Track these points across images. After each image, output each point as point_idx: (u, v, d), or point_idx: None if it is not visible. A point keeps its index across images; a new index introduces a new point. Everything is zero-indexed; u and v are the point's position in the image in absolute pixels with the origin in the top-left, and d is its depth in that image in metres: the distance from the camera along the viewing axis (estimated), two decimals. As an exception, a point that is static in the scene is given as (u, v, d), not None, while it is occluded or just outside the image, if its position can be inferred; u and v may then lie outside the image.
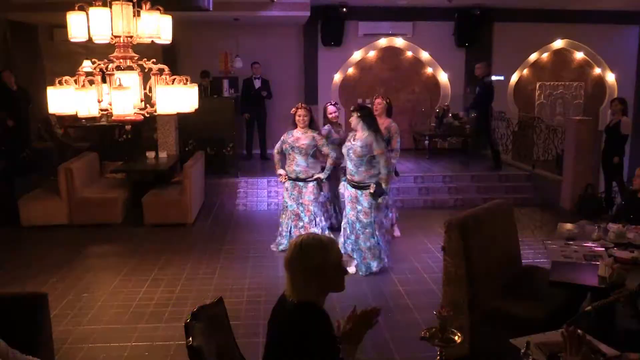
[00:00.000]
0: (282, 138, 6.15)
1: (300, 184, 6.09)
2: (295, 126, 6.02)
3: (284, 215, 6.27)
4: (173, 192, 7.62)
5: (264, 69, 10.55)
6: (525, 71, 12.27)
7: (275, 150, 6.25)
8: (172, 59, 10.27)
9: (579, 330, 2.13)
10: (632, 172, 7.79)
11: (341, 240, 5.68)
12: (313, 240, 2.18)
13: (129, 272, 5.80)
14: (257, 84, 10.40)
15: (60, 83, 3.00)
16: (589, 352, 2.11)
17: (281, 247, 6.27)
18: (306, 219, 6.12)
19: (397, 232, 6.88)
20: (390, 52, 11.92)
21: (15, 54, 10.03)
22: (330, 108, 6.76)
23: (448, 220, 3.88)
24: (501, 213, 4.34)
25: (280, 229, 6.34)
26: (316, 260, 2.13)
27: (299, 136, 6.00)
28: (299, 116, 5.98)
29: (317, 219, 6.17)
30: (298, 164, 6.03)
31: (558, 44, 12.12)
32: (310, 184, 6.09)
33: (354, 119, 5.44)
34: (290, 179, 6.12)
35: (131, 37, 3.09)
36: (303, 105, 6.11)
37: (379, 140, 5.42)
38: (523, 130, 10.49)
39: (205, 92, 9.63)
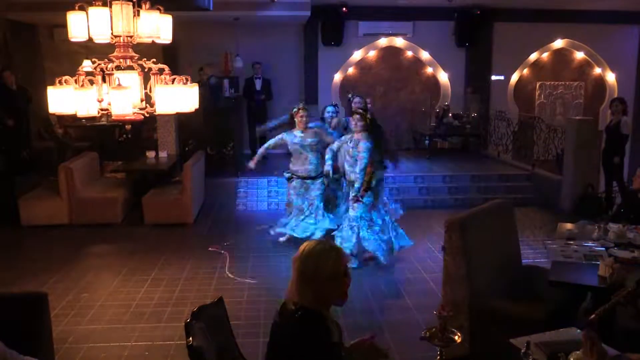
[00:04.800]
0: (281, 137, 6.35)
1: (309, 181, 6.35)
2: (293, 126, 6.25)
3: (289, 209, 6.53)
4: (173, 192, 7.62)
5: (265, 68, 10.55)
6: (525, 71, 12.27)
7: (268, 145, 6.46)
8: (172, 58, 10.26)
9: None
10: (632, 172, 7.81)
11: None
12: (317, 248, 2.14)
13: (129, 272, 5.80)
14: (258, 84, 10.40)
15: (60, 83, 3.00)
16: (604, 353, 2.14)
17: (277, 230, 6.55)
18: (308, 212, 6.37)
19: None
20: (390, 52, 11.92)
21: (15, 54, 10.02)
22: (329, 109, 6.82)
23: (448, 220, 3.88)
24: (501, 213, 4.34)
25: (286, 218, 6.54)
26: (311, 268, 2.09)
27: (303, 135, 6.23)
28: (301, 117, 6.21)
29: (320, 212, 6.38)
30: (311, 162, 6.30)
31: (558, 44, 12.12)
32: (318, 181, 6.34)
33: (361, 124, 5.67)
34: (299, 177, 6.34)
35: (131, 36, 3.09)
36: (304, 106, 6.35)
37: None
38: (523, 130, 10.49)
39: (204, 86, 9.60)
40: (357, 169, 5.64)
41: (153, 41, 3.21)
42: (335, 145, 5.98)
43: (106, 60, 3.06)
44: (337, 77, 11.74)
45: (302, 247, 2.18)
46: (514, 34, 11.69)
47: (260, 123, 10.54)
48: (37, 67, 10.77)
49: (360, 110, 5.83)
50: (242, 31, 10.83)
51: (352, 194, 5.74)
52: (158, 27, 3.14)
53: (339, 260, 2.16)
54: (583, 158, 8.08)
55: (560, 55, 12.32)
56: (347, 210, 5.98)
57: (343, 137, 5.98)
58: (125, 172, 8.35)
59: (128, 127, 7.70)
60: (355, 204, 5.71)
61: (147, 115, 3.11)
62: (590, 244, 4.11)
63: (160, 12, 3.13)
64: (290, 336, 2.09)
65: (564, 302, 3.71)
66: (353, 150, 5.70)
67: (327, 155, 6.00)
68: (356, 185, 5.67)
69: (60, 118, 9.51)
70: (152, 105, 3.06)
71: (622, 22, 11.85)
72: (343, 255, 2.21)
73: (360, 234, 5.73)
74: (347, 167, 5.81)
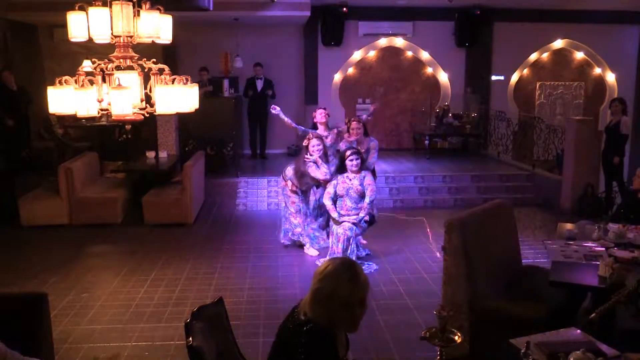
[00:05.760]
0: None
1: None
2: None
3: (299, 218, 6.29)
4: (173, 192, 7.62)
5: (265, 68, 10.55)
6: (525, 71, 12.27)
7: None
8: (172, 59, 10.27)
9: None
10: (632, 172, 7.82)
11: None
12: (339, 270, 2.07)
13: (129, 272, 5.80)
14: (259, 85, 10.40)
15: (60, 83, 3.00)
16: None
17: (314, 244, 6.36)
18: (311, 210, 6.34)
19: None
20: (390, 52, 11.92)
21: (15, 54, 10.03)
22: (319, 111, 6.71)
23: (448, 220, 3.88)
24: (501, 213, 4.34)
25: (299, 229, 6.32)
26: (327, 289, 2.05)
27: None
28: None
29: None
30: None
31: (558, 44, 12.12)
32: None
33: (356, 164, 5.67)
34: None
35: (131, 36, 3.09)
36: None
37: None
38: (523, 130, 10.49)
39: (205, 85, 9.62)
40: (368, 200, 5.64)
41: (153, 41, 3.21)
42: (332, 191, 5.81)
43: (106, 60, 3.06)
44: (337, 77, 11.74)
45: (325, 263, 2.13)
46: (514, 34, 11.69)
47: (260, 123, 10.61)
48: (37, 67, 10.77)
49: (355, 149, 5.75)
50: (242, 31, 10.84)
51: (353, 219, 5.67)
52: (158, 27, 3.14)
53: (358, 288, 2.07)
54: (583, 158, 8.09)
55: (560, 55, 12.32)
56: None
57: (335, 180, 5.79)
58: (125, 172, 8.36)
59: (128, 127, 7.72)
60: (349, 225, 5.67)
61: (147, 115, 3.11)
62: (590, 244, 4.11)
63: (160, 12, 3.13)
64: (295, 345, 2.06)
65: (564, 302, 3.71)
66: (357, 187, 5.65)
67: (329, 202, 5.80)
68: (361, 215, 5.65)
69: (60, 118, 9.50)
70: (152, 105, 3.06)
71: (622, 22, 11.86)
72: (364, 284, 2.10)
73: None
74: (349, 203, 5.71)
